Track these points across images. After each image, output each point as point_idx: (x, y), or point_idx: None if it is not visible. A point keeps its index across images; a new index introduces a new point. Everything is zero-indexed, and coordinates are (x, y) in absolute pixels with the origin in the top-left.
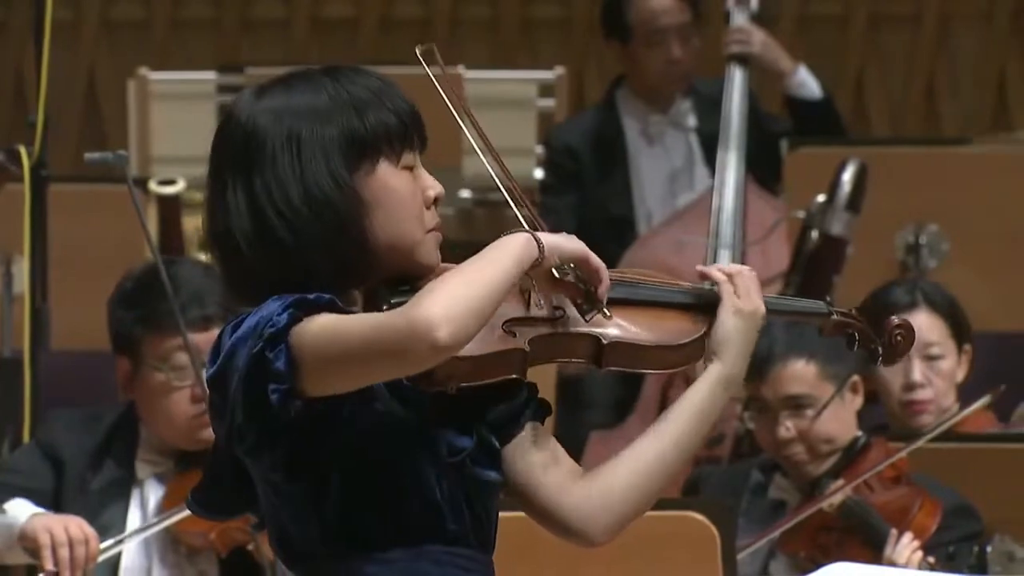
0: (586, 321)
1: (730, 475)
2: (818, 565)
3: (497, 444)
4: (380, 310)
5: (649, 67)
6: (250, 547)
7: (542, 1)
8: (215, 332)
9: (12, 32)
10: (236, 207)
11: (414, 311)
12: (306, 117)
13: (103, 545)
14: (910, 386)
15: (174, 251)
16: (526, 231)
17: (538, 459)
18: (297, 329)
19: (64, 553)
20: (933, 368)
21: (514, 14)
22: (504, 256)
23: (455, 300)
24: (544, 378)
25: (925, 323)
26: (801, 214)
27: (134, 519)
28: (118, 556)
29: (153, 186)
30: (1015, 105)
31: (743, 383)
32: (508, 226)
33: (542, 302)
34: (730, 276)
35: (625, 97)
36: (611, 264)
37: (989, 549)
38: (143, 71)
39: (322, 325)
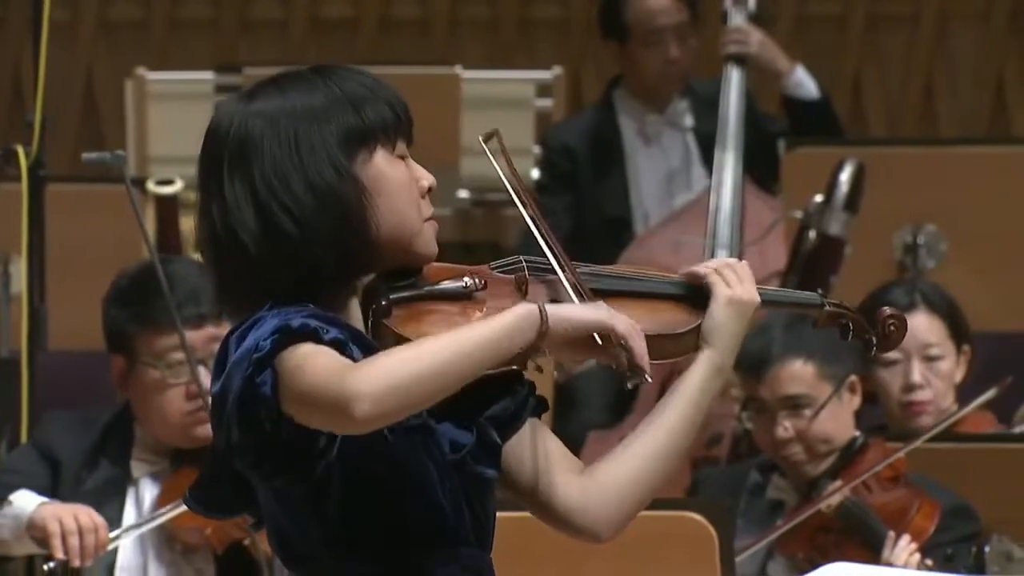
0: (628, 387)
1: (728, 475)
2: (816, 566)
3: (499, 440)
4: (379, 304)
5: (646, 67)
6: (246, 542)
7: (540, 1)
8: (210, 330)
9: (10, 32)
10: (237, 206)
11: (350, 379)
12: (303, 117)
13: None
14: (909, 387)
15: (172, 251)
16: (536, 305)
17: (539, 455)
18: (283, 356)
19: (74, 541)
20: (932, 369)
21: (512, 14)
22: (488, 331)
23: (394, 379)
24: (542, 378)
25: (924, 324)
26: (799, 214)
27: (130, 518)
28: (114, 555)
29: (151, 186)
30: (1013, 105)
31: (742, 383)
32: (506, 227)
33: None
34: (719, 268)
35: (622, 97)
36: (608, 264)
37: (987, 549)
38: (141, 71)
39: (297, 361)
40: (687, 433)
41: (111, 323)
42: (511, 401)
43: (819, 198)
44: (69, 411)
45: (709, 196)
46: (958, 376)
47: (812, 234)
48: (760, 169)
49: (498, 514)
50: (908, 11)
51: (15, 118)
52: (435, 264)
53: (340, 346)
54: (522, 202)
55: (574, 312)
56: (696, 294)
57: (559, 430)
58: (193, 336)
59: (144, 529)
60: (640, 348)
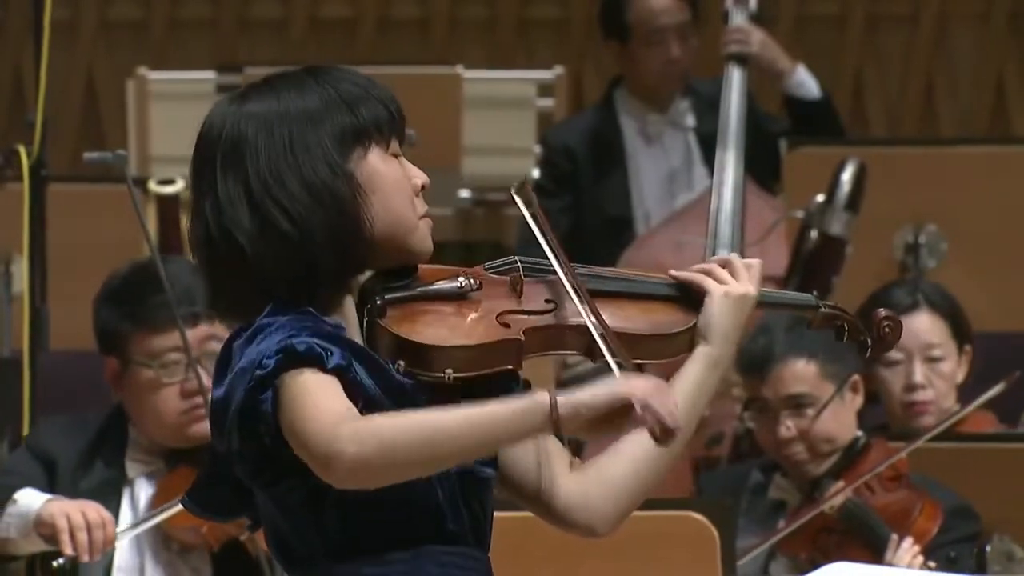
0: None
1: (730, 475)
2: (818, 566)
3: None
4: (374, 304)
5: (648, 67)
6: (242, 538)
7: (540, 1)
8: (204, 328)
9: (11, 32)
10: (231, 206)
11: (340, 436)
12: (298, 118)
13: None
14: (911, 387)
15: (173, 250)
16: (552, 398)
17: (535, 452)
18: (285, 379)
19: (83, 537)
20: (934, 369)
21: (512, 14)
22: (493, 417)
23: (382, 448)
24: (543, 383)
25: (926, 324)
26: (800, 214)
27: (126, 518)
28: (111, 556)
29: (152, 186)
30: (1013, 105)
31: (744, 383)
32: (506, 226)
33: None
34: (708, 270)
35: (623, 97)
36: (609, 264)
37: (988, 549)
38: (142, 71)
39: (298, 391)
40: (688, 428)
41: (103, 324)
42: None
43: (820, 198)
44: (63, 414)
45: (710, 196)
46: (959, 376)
47: (813, 234)
48: (761, 169)
49: (497, 514)
50: (908, 11)
51: (16, 118)
52: (429, 265)
53: (343, 372)
54: (553, 253)
55: (587, 395)
56: (692, 294)
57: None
58: (188, 335)
59: (146, 526)
60: (664, 406)
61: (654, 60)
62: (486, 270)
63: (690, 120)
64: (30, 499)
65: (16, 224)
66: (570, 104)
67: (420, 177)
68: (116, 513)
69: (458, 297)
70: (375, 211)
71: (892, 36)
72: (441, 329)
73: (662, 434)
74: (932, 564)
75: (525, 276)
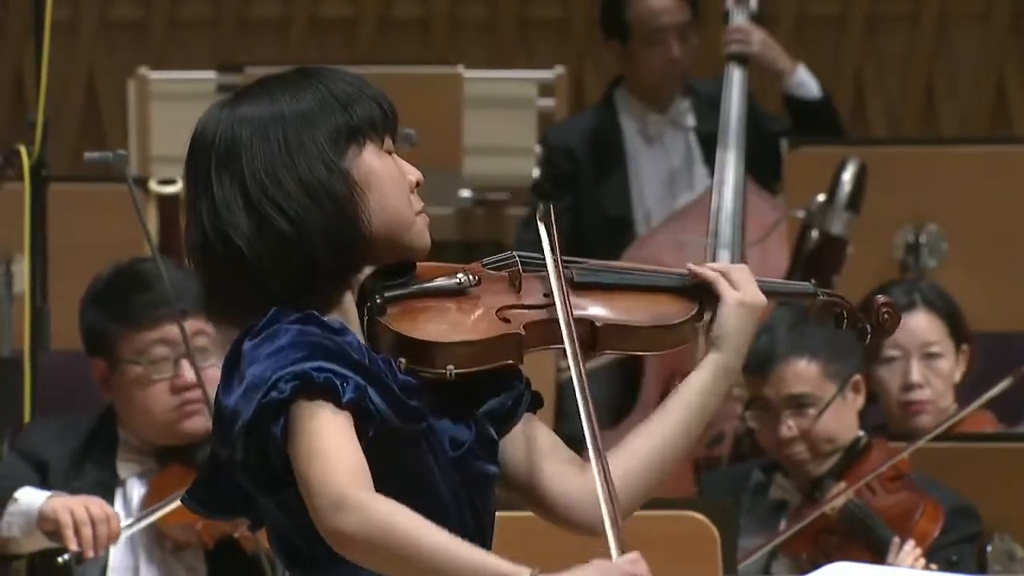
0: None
1: (731, 475)
2: (818, 566)
3: (495, 436)
4: (375, 302)
5: (648, 66)
6: (237, 535)
7: (541, 1)
8: (192, 323)
9: (11, 32)
10: (228, 209)
11: (343, 508)
12: (292, 120)
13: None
14: (908, 386)
15: (174, 250)
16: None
17: (537, 451)
18: (299, 407)
19: (87, 532)
20: (932, 368)
21: (512, 14)
22: (479, 569)
23: (374, 542)
24: (543, 380)
25: (924, 323)
26: (801, 214)
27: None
28: (105, 558)
29: (153, 185)
30: (1014, 105)
31: (746, 382)
32: (507, 226)
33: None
34: (724, 272)
35: (623, 97)
36: None
37: (989, 549)
38: (142, 71)
39: (312, 428)
40: (691, 432)
41: (89, 326)
42: (507, 396)
43: (821, 198)
44: (51, 418)
45: (711, 196)
46: (957, 375)
47: (814, 234)
48: (762, 169)
49: (497, 514)
50: (908, 11)
51: (17, 118)
52: (427, 263)
53: (356, 404)
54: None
55: None
56: (691, 285)
57: (559, 430)
58: (174, 330)
59: (148, 522)
60: None
61: (654, 60)
62: (484, 266)
63: (690, 120)
64: (31, 497)
65: (17, 224)
66: (570, 104)
67: (414, 173)
68: None
69: (457, 293)
70: (372, 208)
71: (893, 36)
72: (442, 325)
73: None
74: (934, 566)
75: (523, 271)
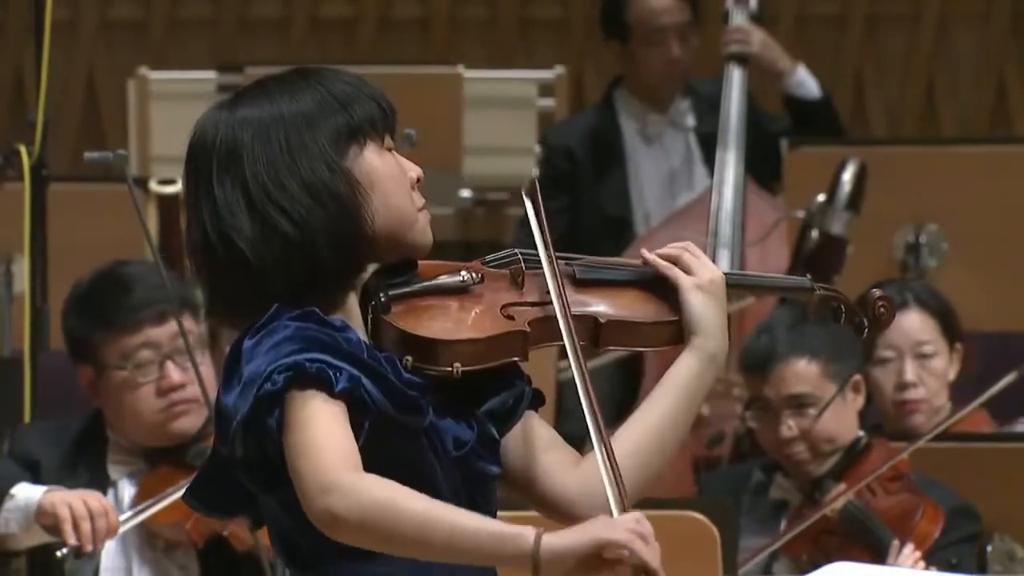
0: None
1: (731, 475)
2: (819, 567)
3: (496, 435)
4: (379, 301)
5: (648, 67)
6: (225, 533)
7: (541, 1)
8: (173, 325)
9: (11, 32)
10: (230, 212)
11: (335, 492)
12: (292, 121)
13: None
14: (902, 386)
15: (174, 250)
16: (537, 537)
17: (537, 447)
18: (293, 398)
19: (86, 526)
20: (925, 367)
21: (513, 14)
22: (479, 533)
23: (369, 521)
24: (543, 379)
25: (916, 322)
26: (801, 214)
27: None
28: (99, 558)
29: (153, 186)
30: (1014, 105)
31: (746, 383)
32: (507, 226)
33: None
34: (675, 259)
35: (623, 97)
36: None
37: (989, 549)
38: (142, 71)
39: (305, 417)
40: (682, 420)
41: (73, 333)
42: (508, 395)
43: (821, 198)
44: (41, 421)
45: (711, 196)
46: (951, 374)
47: (814, 233)
48: (762, 169)
49: (499, 514)
50: (909, 11)
51: (17, 118)
52: (429, 261)
53: (350, 394)
54: (547, 256)
55: (568, 541)
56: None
57: (560, 429)
58: (157, 332)
59: (143, 517)
60: (646, 553)
61: (654, 60)
62: (485, 264)
63: (690, 120)
64: (28, 492)
65: (17, 224)
66: (571, 104)
67: (414, 170)
68: None
69: (461, 291)
70: (375, 207)
71: (893, 36)
72: (447, 323)
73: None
74: (933, 568)
75: (526, 268)
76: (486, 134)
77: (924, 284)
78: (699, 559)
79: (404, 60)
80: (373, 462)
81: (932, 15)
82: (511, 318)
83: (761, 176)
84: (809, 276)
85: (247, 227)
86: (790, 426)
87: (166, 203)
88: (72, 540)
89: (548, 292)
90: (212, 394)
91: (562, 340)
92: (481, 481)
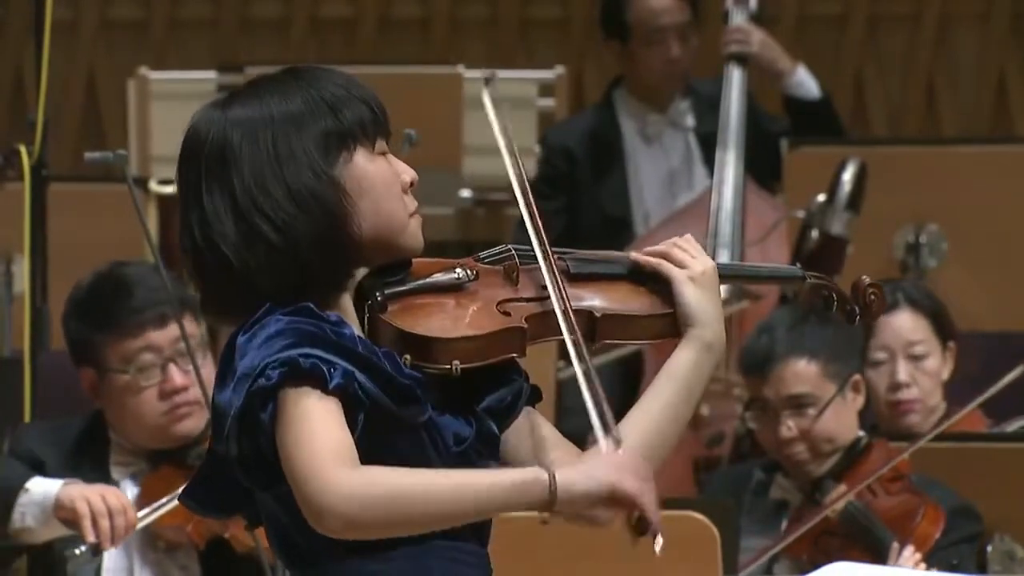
0: (638, 541)
1: (731, 475)
2: (819, 567)
3: (496, 431)
4: (375, 300)
5: (648, 67)
6: (227, 535)
7: (541, 1)
8: (174, 328)
9: (11, 32)
10: (217, 218)
11: (333, 487)
12: (281, 122)
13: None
14: (896, 386)
15: (174, 250)
16: (552, 480)
17: (540, 444)
18: (287, 394)
19: (105, 524)
20: (918, 367)
21: (513, 14)
22: (492, 487)
23: (374, 508)
24: (544, 378)
25: (908, 323)
26: (801, 214)
27: None
28: (100, 560)
29: (153, 185)
30: (1014, 105)
31: (745, 383)
32: (507, 226)
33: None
34: (665, 254)
35: (623, 97)
36: None
37: (989, 549)
38: (142, 71)
39: (298, 413)
40: (681, 412)
41: (74, 336)
42: (507, 391)
43: (821, 197)
44: (41, 421)
45: (710, 196)
46: (945, 374)
47: (814, 233)
48: (761, 169)
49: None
50: (909, 11)
51: (17, 118)
52: (423, 259)
53: (343, 390)
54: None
55: (584, 487)
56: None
57: (560, 428)
58: (159, 336)
59: (151, 519)
60: (650, 504)
61: (654, 60)
62: (480, 260)
63: (690, 120)
64: (45, 486)
65: (17, 224)
66: (571, 104)
67: (408, 173)
68: None
69: (456, 288)
70: (364, 213)
71: (893, 36)
72: (445, 321)
73: (641, 530)
74: (934, 569)
75: (520, 264)
76: (486, 134)
77: (915, 283)
78: (699, 559)
79: (404, 60)
80: (373, 459)
81: (932, 15)
82: (507, 314)
83: (761, 176)
84: (799, 265)
85: (232, 234)
86: (790, 426)
87: (166, 203)
88: (91, 537)
89: (543, 287)
90: None
91: (559, 334)
92: None
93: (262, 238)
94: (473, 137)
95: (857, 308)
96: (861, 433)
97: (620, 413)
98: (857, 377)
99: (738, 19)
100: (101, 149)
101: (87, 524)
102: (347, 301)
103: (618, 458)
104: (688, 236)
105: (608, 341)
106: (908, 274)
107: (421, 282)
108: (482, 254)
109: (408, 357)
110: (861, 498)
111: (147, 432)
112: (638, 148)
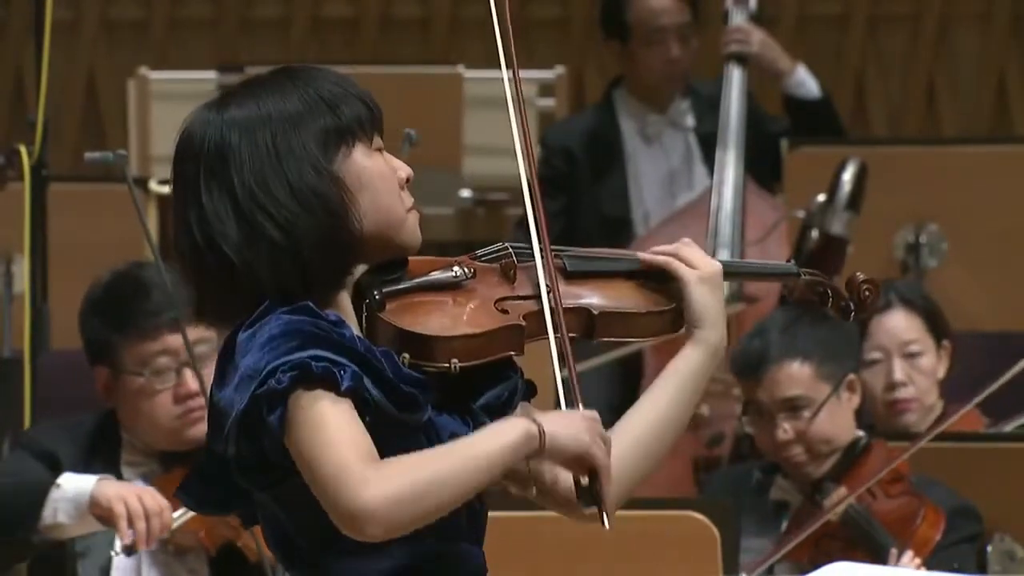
0: (584, 511)
1: (731, 475)
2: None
3: None
4: (373, 298)
5: (648, 67)
6: (239, 543)
7: (541, 1)
8: (190, 332)
9: (12, 32)
10: (217, 217)
11: (363, 493)
12: (279, 122)
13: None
14: (892, 386)
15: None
16: (530, 420)
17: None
18: (299, 397)
19: (142, 526)
20: (914, 366)
21: (513, 14)
22: (494, 447)
23: (406, 502)
24: (544, 376)
25: (902, 322)
26: (801, 214)
27: None
28: (109, 558)
29: (153, 185)
30: (1015, 105)
31: (740, 387)
32: (508, 226)
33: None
34: (674, 254)
35: (623, 97)
36: None
37: (989, 549)
38: (143, 71)
39: (314, 418)
40: (683, 411)
41: (91, 335)
42: (503, 388)
43: (821, 197)
44: (53, 419)
45: (710, 196)
46: (940, 372)
47: (814, 233)
48: (761, 169)
49: (498, 514)
50: (910, 11)
51: (17, 118)
52: (419, 257)
53: (355, 392)
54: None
55: (564, 443)
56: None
57: None
58: (177, 339)
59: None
60: (607, 484)
61: (654, 60)
62: (477, 258)
63: (690, 120)
64: (78, 482)
65: (17, 224)
66: (571, 104)
67: (404, 169)
68: None
69: (454, 287)
70: (364, 209)
71: (893, 36)
72: (443, 319)
73: (595, 499)
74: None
75: (517, 262)
76: (486, 134)
77: (908, 283)
78: (699, 559)
79: (404, 60)
80: None
81: (933, 15)
82: (505, 312)
83: (761, 176)
84: (793, 261)
85: (234, 233)
86: (785, 429)
87: (166, 203)
88: (127, 540)
89: (539, 285)
90: None
91: (558, 332)
92: None
93: (265, 237)
94: (473, 137)
95: (852, 304)
96: (861, 433)
97: (620, 414)
98: (852, 377)
99: (738, 19)
100: (101, 149)
101: (124, 525)
102: (346, 300)
103: (596, 425)
104: (687, 240)
105: (606, 339)
106: (908, 274)
107: (419, 280)
108: (479, 252)
109: (407, 356)
110: (861, 501)
111: (160, 434)
112: (638, 148)
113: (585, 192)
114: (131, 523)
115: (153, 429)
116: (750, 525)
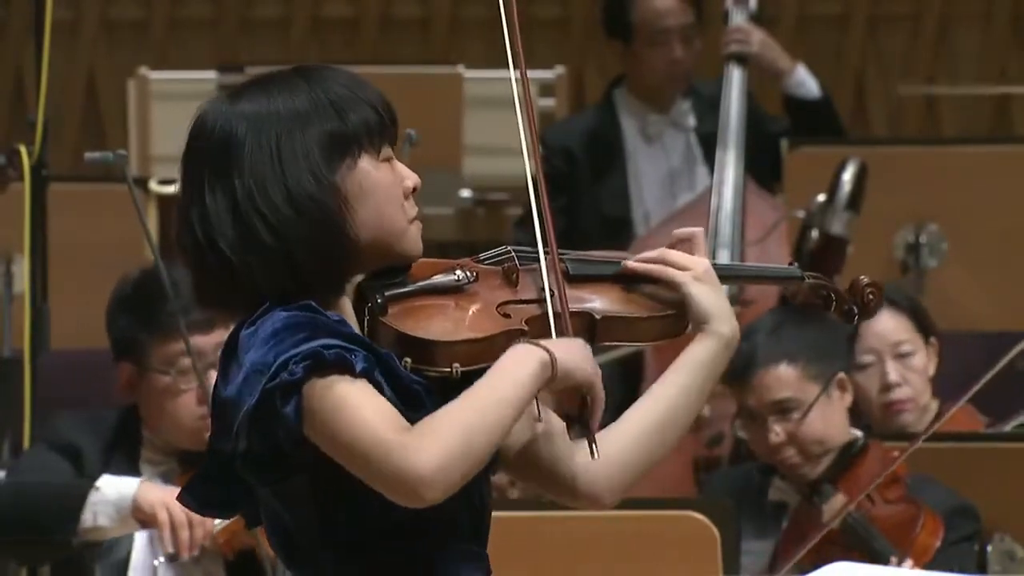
0: (571, 438)
1: (731, 475)
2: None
3: None
4: (375, 302)
5: (651, 67)
6: (259, 550)
7: (541, 1)
8: (219, 334)
9: (12, 32)
10: (217, 215)
11: (412, 458)
12: (286, 120)
13: None
14: (887, 387)
15: (174, 250)
16: (541, 348)
17: (538, 430)
18: (314, 386)
19: (185, 535)
20: (907, 366)
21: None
22: (519, 377)
23: (452, 454)
24: None
25: (890, 323)
26: (801, 214)
27: None
28: (126, 556)
29: (153, 185)
30: (1014, 106)
31: (730, 393)
32: (508, 226)
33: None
34: (662, 259)
35: (623, 97)
36: None
37: (989, 549)
38: (143, 71)
39: (335, 402)
40: (695, 401)
41: (120, 331)
42: None
43: (821, 197)
44: (76, 411)
45: (711, 196)
46: (931, 369)
47: (814, 233)
48: (762, 169)
49: (499, 514)
50: (909, 11)
51: (17, 118)
52: (422, 260)
53: (368, 374)
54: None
55: (574, 370)
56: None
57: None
58: (203, 341)
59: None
60: (599, 414)
61: (657, 60)
62: (479, 262)
63: (691, 120)
64: (119, 485)
65: (17, 224)
66: (571, 104)
67: (411, 179)
68: None
69: (456, 290)
70: (363, 218)
71: (893, 36)
72: (446, 323)
73: (587, 431)
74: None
75: (519, 265)
76: (486, 134)
77: (891, 284)
78: (699, 559)
79: (404, 60)
80: None
81: (933, 15)
82: (507, 316)
83: (761, 176)
84: (796, 264)
85: (230, 232)
86: (777, 432)
87: (166, 203)
88: (170, 548)
89: (543, 289)
90: None
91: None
92: (476, 479)
93: (257, 239)
94: (473, 137)
95: (855, 307)
96: (858, 434)
97: (620, 412)
98: (841, 376)
99: (738, 19)
100: (101, 149)
101: (167, 535)
102: (346, 304)
103: (591, 354)
104: (699, 230)
105: (608, 343)
106: (908, 274)
107: (421, 284)
108: (481, 255)
109: (409, 360)
110: (860, 507)
111: (183, 433)
112: (638, 148)
113: (585, 192)
114: (174, 531)
115: (176, 428)
116: (750, 526)
